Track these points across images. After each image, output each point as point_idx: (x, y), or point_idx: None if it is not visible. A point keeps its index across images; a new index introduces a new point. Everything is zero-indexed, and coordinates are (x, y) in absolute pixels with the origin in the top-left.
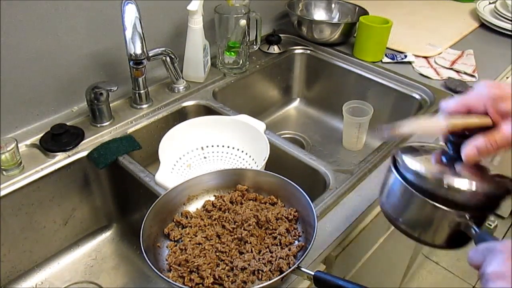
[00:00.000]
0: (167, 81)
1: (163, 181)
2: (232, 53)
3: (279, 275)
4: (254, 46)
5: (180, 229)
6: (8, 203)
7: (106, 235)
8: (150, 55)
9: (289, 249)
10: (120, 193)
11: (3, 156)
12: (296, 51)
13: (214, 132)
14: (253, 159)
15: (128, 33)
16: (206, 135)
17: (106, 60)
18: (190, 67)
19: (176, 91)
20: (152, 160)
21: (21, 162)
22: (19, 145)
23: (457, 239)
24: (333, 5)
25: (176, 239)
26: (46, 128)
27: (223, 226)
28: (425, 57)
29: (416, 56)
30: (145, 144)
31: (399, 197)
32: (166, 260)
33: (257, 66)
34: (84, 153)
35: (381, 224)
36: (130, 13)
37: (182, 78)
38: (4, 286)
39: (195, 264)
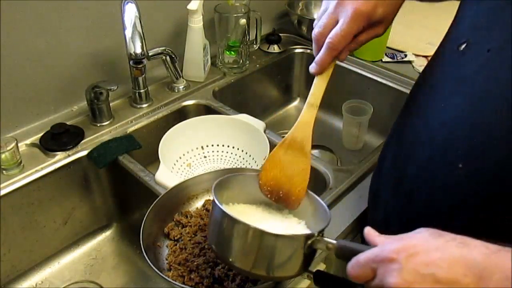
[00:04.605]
0: (167, 80)
1: (163, 180)
2: (232, 52)
3: None
4: (254, 46)
5: (180, 228)
6: (8, 203)
7: (106, 234)
8: (150, 54)
9: None
10: (120, 193)
11: (3, 156)
12: (296, 51)
13: (214, 131)
14: (253, 159)
15: (128, 33)
16: (206, 134)
17: (106, 60)
18: (190, 67)
19: (176, 91)
20: (152, 160)
21: (21, 162)
22: (19, 144)
23: (308, 260)
24: None
25: (176, 238)
26: (46, 128)
27: None
28: (425, 56)
29: (416, 55)
30: (145, 144)
31: (239, 238)
32: (166, 259)
33: (257, 66)
34: (84, 153)
35: None
36: (130, 13)
37: (182, 77)
38: (4, 286)
39: (195, 263)
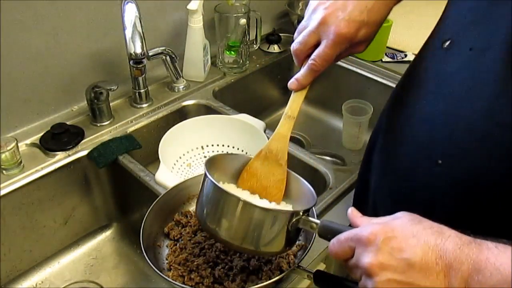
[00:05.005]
0: (167, 80)
1: (163, 180)
2: (232, 52)
3: (279, 274)
4: (254, 45)
5: (180, 228)
6: (8, 203)
7: (106, 234)
8: (150, 54)
9: None
10: (120, 192)
11: (3, 156)
12: None
13: (214, 131)
14: None
15: (128, 33)
16: (206, 134)
17: (106, 60)
18: (190, 67)
19: (176, 91)
20: (152, 159)
21: (21, 162)
22: (19, 144)
23: (292, 239)
24: None
25: (176, 238)
26: (46, 128)
27: None
28: None
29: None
30: (145, 143)
31: (230, 211)
32: (166, 259)
33: (257, 66)
34: (84, 153)
35: None
36: (130, 12)
37: (182, 77)
38: (4, 286)
39: (195, 263)
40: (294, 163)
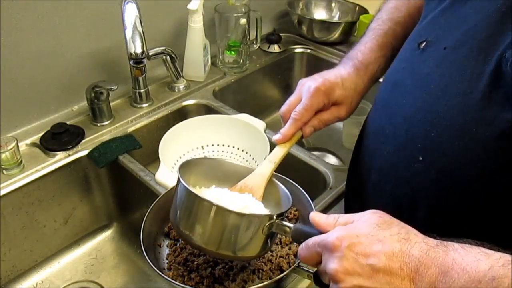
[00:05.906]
0: (167, 80)
1: (163, 180)
2: (232, 52)
3: (279, 274)
4: (254, 45)
5: None
6: (9, 202)
7: (107, 234)
8: (150, 54)
9: (289, 248)
10: (120, 192)
11: (3, 155)
12: (296, 50)
13: (214, 131)
14: (253, 158)
15: (128, 32)
16: (206, 134)
17: (106, 59)
18: (190, 66)
19: (176, 90)
20: (152, 159)
21: (21, 161)
22: (19, 144)
23: (267, 242)
24: (333, 4)
25: (176, 238)
26: (46, 127)
27: None
28: None
29: None
30: (145, 143)
31: (203, 217)
32: (166, 259)
33: (257, 65)
34: (84, 152)
35: None
36: (131, 12)
37: (182, 77)
38: (5, 285)
39: (195, 263)
40: (294, 163)
